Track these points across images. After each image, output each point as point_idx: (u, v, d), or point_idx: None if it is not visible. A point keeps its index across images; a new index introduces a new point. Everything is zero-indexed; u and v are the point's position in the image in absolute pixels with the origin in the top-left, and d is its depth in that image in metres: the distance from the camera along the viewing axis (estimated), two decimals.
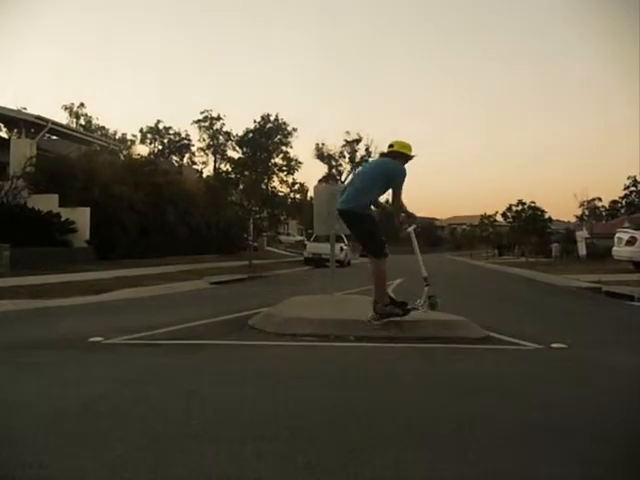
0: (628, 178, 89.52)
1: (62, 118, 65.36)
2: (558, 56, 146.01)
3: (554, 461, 3.55)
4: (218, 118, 73.97)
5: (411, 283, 8.00)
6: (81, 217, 26.90)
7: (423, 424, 4.31)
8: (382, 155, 9.54)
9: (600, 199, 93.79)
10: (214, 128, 74.13)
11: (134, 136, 76.10)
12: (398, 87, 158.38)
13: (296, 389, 5.41)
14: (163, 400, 5.01)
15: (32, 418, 4.44)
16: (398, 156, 8.69)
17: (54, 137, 33.93)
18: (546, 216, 54.39)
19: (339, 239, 30.16)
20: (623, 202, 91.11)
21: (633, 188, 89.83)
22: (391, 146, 8.85)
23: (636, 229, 29.11)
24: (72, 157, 29.96)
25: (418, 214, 9.88)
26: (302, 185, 47.81)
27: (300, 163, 43.82)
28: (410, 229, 9.02)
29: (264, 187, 34.97)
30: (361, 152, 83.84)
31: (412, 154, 8.86)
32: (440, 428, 4.19)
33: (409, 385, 5.64)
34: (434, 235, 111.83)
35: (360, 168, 8.95)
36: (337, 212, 8.91)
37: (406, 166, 8.65)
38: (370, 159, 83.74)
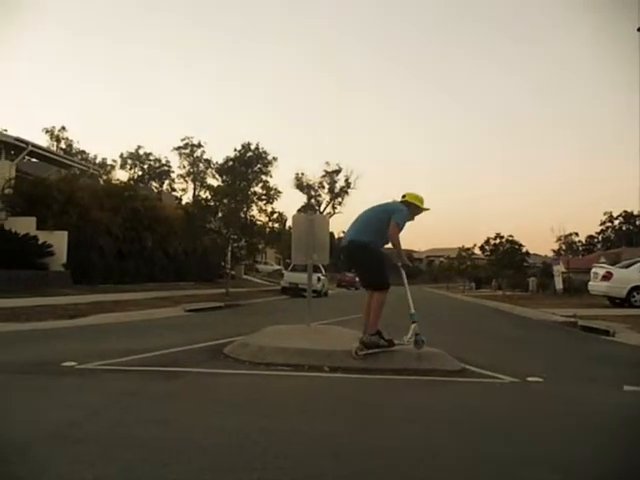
0: (604, 214, 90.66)
1: (43, 141, 65.39)
2: (535, 92, 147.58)
3: None
4: (199, 145, 74.51)
5: (388, 310, 7.98)
6: (59, 240, 26.71)
7: (357, 452, 4.33)
8: None
9: (577, 234, 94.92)
10: (194, 155, 74.54)
11: (114, 161, 76.44)
12: (378, 118, 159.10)
13: (266, 418, 5.42)
14: (135, 427, 4.99)
15: (1, 444, 4.41)
16: (409, 206, 8.81)
17: (34, 159, 33.76)
18: (523, 250, 54.67)
19: (316, 269, 30.17)
20: (599, 237, 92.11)
21: (609, 224, 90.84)
22: (403, 196, 8.98)
23: (612, 264, 29.46)
24: (51, 180, 29.80)
25: None
26: (281, 214, 47.82)
27: (279, 192, 43.94)
28: (399, 264, 9.05)
29: (243, 215, 34.96)
30: (340, 183, 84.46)
31: (423, 207, 9.03)
32: (396, 460, 4.21)
33: (376, 417, 5.65)
34: (412, 267, 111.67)
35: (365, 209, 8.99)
36: (341, 249, 9.08)
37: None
38: (349, 190, 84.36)
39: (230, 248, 35.62)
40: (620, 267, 26.03)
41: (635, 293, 23.44)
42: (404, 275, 9.12)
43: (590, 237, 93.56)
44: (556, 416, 5.95)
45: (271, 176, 51.89)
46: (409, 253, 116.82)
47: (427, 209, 9.07)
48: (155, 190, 68.70)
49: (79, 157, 62.97)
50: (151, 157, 77.87)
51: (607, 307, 23.66)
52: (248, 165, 49.43)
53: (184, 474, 3.83)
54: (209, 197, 36.59)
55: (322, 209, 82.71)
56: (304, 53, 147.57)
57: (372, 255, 8.51)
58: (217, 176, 50.82)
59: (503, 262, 52.01)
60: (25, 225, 26.27)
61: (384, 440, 4.81)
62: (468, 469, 4.11)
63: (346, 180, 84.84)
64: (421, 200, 8.97)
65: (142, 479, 3.71)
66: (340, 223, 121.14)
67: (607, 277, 24.51)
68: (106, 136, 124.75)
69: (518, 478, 3.98)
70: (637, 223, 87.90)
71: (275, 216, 42.33)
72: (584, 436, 5.16)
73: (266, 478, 3.76)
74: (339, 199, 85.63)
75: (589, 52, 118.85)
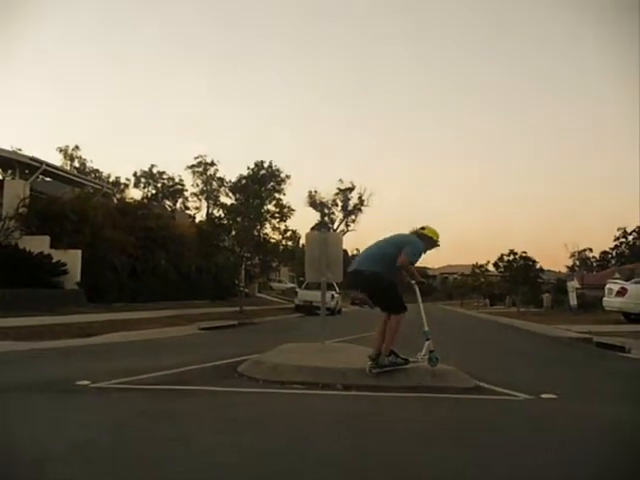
0: (618, 229, 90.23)
1: (57, 160, 65.72)
2: (545, 108, 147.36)
3: None
4: (212, 164, 74.65)
5: (401, 335, 7.98)
6: (72, 259, 26.84)
7: (373, 469, 4.33)
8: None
9: (591, 250, 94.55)
10: (208, 174, 74.67)
11: (128, 180, 76.51)
12: (391, 134, 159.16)
13: (281, 436, 5.42)
14: (149, 446, 5.01)
15: (19, 462, 4.43)
16: (424, 238, 8.87)
17: (48, 178, 33.93)
18: (537, 266, 54.44)
19: (330, 287, 30.12)
20: (613, 253, 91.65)
21: (623, 239, 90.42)
22: (423, 228, 9.06)
23: (626, 280, 29.31)
24: (65, 199, 29.95)
25: None
26: (294, 232, 47.99)
27: (293, 210, 44.16)
28: (413, 282, 9.04)
29: (256, 233, 35.00)
30: (354, 200, 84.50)
31: (437, 242, 9.11)
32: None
33: (389, 434, 5.64)
34: (426, 284, 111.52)
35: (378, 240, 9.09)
36: (350, 274, 8.97)
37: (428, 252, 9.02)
38: (363, 207, 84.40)
39: (244, 266, 35.68)
40: (634, 283, 25.93)
41: None
42: (418, 292, 9.12)
43: (604, 253, 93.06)
44: (570, 433, 5.91)
45: (284, 194, 52.18)
46: (423, 271, 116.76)
47: (439, 246, 9.20)
48: (169, 209, 68.87)
49: (93, 176, 63.20)
50: (164, 176, 78.04)
51: (622, 323, 23.56)
52: (261, 183, 49.73)
53: None
54: (222, 215, 36.72)
55: (335, 227, 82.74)
56: (318, 71, 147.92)
57: (387, 284, 8.54)
58: (230, 194, 51.11)
59: (517, 278, 51.78)
60: (39, 244, 26.39)
61: (397, 457, 4.80)
62: None
63: (359, 197, 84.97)
64: (437, 235, 9.06)
65: None
66: (353, 241, 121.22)
67: (621, 293, 24.44)
68: (120, 155, 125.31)
69: None
70: None
71: (288, 234, 42.44)
72: (598, 454, 5.13)
73: None
74: (352, 217, 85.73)
75: (611, 61, 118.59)
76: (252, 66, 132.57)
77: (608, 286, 26.59)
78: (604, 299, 26.48)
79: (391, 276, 8.60)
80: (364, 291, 9.33)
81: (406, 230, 9.30)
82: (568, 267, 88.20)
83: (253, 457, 4.71)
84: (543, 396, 7.87)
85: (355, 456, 4.82)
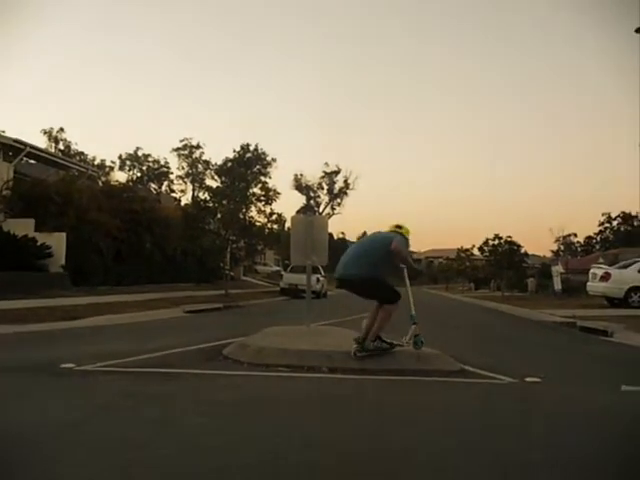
0: (603, 215, 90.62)
1: (41, 142, 65.28)
2: (530, 92, 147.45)
3: None
4: (197, 146, 74.40)
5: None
6: (57, 242, 26.63)
7: (359, 454, 4.36)
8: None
9: (575, 235, 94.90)
10: (193, 156, 74.43)
11: (113, 162, 76.19)
12: (379, 118, 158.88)
13: (265, 419, 5.44)
14: (133, 428, 5.01)
15: (3, 444, 4.42)
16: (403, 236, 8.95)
17: (32, 161, 33.68)
18: (522, 251, 54.58)
19: (315, 270, 30.15)
20: (598, 238, 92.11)
21: (607, 225, 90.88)
22: (400, 227, 9.11)
23: (610, 265, 29.49)
24: (50, 182, 29.73)
25: None
26: (280, 215, 47.94)
27: (278, 193, 43.99)
28: (404, 267, 9.10)
29: (242, 217, 34.96)
30: (339, 184, 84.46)
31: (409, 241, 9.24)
32: (393, 462, 4.23)
33: (374, 417, 5.66)
34: (419, 271, 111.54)
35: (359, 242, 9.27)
36: (338, 280, 9.07)
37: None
38: (348, 191, 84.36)
39: (229, 249, 35.64)
40: (618, 268, 26.07)
41: (633, 293, 23.49)
42: (407, 276, 9.15)
43: (589, 238, 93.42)
44: (554, 416, 5.95)
45: (270, 177, 52.00)
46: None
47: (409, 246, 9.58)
48: (154, 191, 68.61)
49: (77, 158, 62.74)
50: (150, 158, 77.77)
51: (605, 307, 23.71)
52: (247, 166, 49.55)
53: (184, 474, 3.84)
54: (208, 198, 36.66)
55: (321, 210, 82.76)
56: (303, 53, 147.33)
57: (377, 284, 8.57)
58: (216, 177, 50.93)
59: (502, 263, 51.92)
60: (23, 227, 26.16)
61: (382, 440, 4.83)
62: (465, 470, 4.12)
63: (345, 181, 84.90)
64: (408, 233, 9.18)
65: (140, 479, 3.72)
66: (339, 224, 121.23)
67: (605, 278, 24.56)
68: (105, 138, 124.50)
69: (517, 477, 3.99)
70: (635, 224, 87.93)
71: (274, 217, 42.48)
72: (582, 436, 5.16)
73: (269, 477, 3.78)
74: (338, 200, 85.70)
75: (588, 51, 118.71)
76: (237, 47, 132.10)
77: (592, 271, 26.72)
78: (588, 284, 26.61)
79: (379, 274, 8.59)
80: (355, 293, 9.13)
81: (386, 223, 9.43)
82: (553, 252, 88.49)
83: (238, 440, 4.72)
84: (527, 379, 7.93)
85: (340, 439, 4.83)
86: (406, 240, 8.96)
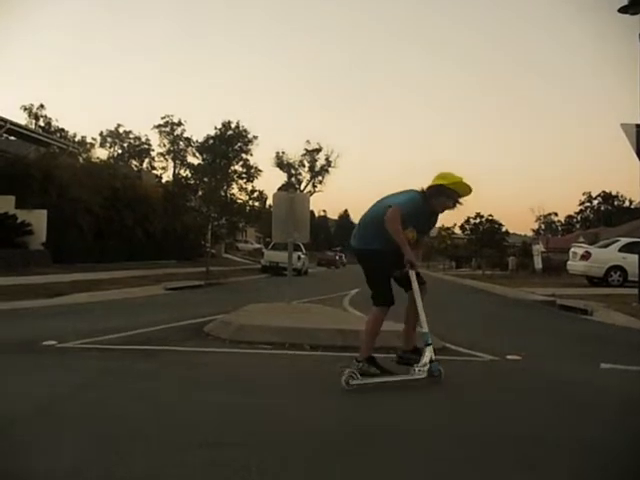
0: (583, 194, 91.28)
1: (21, 119, 64.66)
2: (514, 74, 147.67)
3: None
4: (179, 124, 73.98)
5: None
6: (38, 219, 26.48)
7: (328, 431, 4.44)
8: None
9: (556, 214, 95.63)
10: (175, 133, 74.06)
11: (94, 139, 75.76)
12: (359, 96, 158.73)
13: (247, 395, 5.46)
14: (116, 405, 5.02)
15: None
16: (442, 191, 6.39)
17: (12, 137, 33.40)
18: (503, 229, 54.94)
19: (297, 248, 30.18)
20: (578, 217, 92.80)
21: (588, 204, 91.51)
22: (443, 178, 6.42)
23: (590, 244, 29.70)
24: (30, 158, 29.53)
25: None
26: (261, 193, 47.80)
27: (260, 171, 44.05)
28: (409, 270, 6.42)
29: (223, 194, 34.89)
30: (321, 161, 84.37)
31: (456, 187, 6.46)
32: (378, 437, 4.27)
33: (357, 395, 5.68)
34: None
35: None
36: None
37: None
38: (330, 168, 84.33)
39: (210, 227, 35.58)
40: (598, 247, 26.30)
41: (613, 272, 23.68)
42: (414, 278, 6.35)
43: (569, 217, 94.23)
44: (535, 392, 6.02)
45: (251, 154, 51.72)
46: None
47: (464, 189, 6.53)
48: (135, 169, 68.20)
49: (58, 135, 62.29)
50: (131, 135, 77.54)
51: (585, 286, 23.88)
52: (229, 143, 49.20)
53: (167, 449, 3.86)
54: (189, 175, 36.62)
55: (302, 187, 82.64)
56: (285, 31, 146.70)
57: (375, 264, 6.47)
58: (197, 154, 50.69)
59: (483, 241, 52.24)
60: (3, 204, 25.93)
61: (363, 419, 4.87)
62: (443, 446, 4.16)
63: (327, 159, 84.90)
64: (449, 178, 6.41)
65: (125, 454, 3.74)
66: (321, 202, 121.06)
67: (586, 257, 24.74)
68: (85, 114, 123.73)
69: (500, 453, 4.03)
70: (615, 203, 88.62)
71: (255, 194, 42.48)
72: (562, 412, 5.23)
73: (246, 453, 3.80)
74: (319, 178, 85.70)
75: (568, 29, 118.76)
76: (219, 27, 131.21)
77: (572, 250, 26.89)
78: (568, 263, 26.78)
79: (381, 253, 6.28)
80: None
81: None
82: (534, 230, 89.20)
83: (217, 417, 4.74)
84: (508, 357, 7.98)
85: (321, 418, 4.86)
86: (422, 204, 6.32)
